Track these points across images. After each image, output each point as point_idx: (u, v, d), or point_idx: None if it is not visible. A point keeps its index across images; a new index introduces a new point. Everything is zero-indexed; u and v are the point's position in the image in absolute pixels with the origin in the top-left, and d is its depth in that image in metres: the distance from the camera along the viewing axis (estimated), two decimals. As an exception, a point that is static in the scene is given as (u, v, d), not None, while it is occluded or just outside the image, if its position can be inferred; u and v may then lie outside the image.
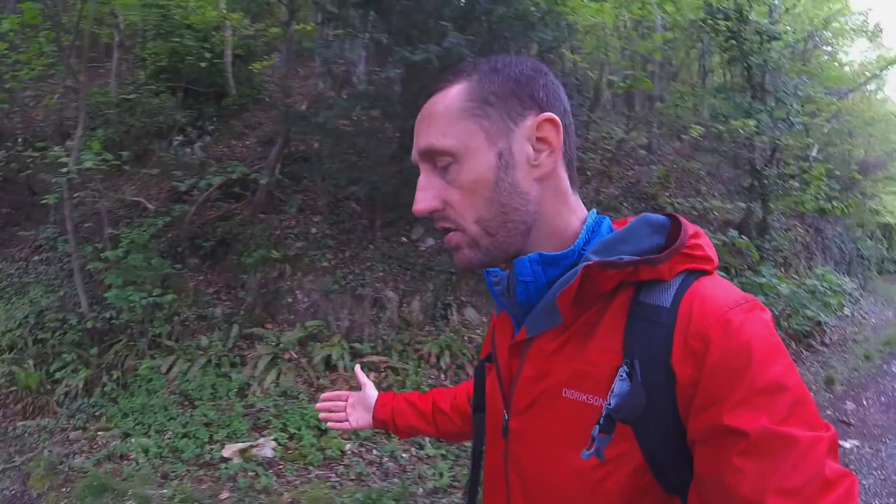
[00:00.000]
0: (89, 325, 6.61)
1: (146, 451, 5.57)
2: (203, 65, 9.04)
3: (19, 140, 9.51)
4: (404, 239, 7.62)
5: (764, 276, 7.16)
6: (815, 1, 8.32)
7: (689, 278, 0.82)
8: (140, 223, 7.82)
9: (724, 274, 7.22)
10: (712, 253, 0.85)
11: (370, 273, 7.04)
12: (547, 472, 0.87)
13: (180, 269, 7.10)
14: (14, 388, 6.50)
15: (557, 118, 0.90)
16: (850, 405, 6.61)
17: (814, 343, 7.50)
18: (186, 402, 6.22)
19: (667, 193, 7.98)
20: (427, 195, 0.92)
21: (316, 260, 7.08)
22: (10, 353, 6.85)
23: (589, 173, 7.66)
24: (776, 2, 6.93)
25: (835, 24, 8.99)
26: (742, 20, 6.88)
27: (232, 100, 9.36)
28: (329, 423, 1.64)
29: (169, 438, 5.73)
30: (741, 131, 6.99)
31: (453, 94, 0.91)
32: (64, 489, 5.05)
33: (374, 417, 1.58)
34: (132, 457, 5.57)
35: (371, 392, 1.63)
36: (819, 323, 7.43)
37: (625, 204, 7.86)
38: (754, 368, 0.71)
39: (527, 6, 6.28)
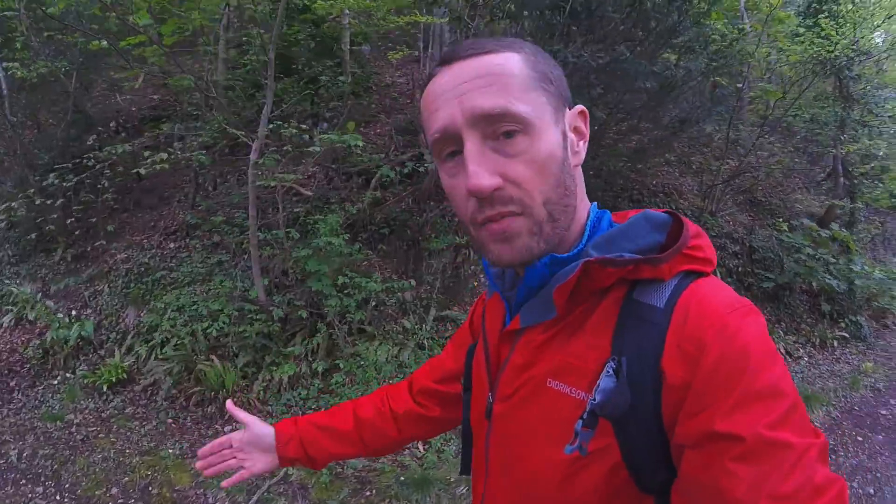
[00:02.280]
0: (303, 314, 5.09)
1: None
2: (319, 50, 7.57)
3: (112, 125, 7.54)
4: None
5: (857, 265, 6.95)
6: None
7: (685, 280, 0.66)
8: (301, 209, 6.30)
9: (831, 260, 6.90)
10: (712, 254, 0.70)
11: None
12: (524, 458, 0.73)
13: (370, 255, 5.72)
14: (197, 388, 4.85)
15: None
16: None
17: (888, 323, 7.41)
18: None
19: (759, 187, 7.58)
20: (485, 170, 0.64)
21: (498, 244, 5.95)
22: (173, 349, 5.16)
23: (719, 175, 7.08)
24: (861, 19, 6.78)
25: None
26: (833, 38, 6.62)
27: (349, 87, 7.89)
28: (223, 482, 1.12)
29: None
30: (828, 135, 6.77)
31: (515, 61, 0.67)
32: (368, 493, 3.67)
33: (281, 457, 1.10)
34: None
35: (262, 429, 1.12)
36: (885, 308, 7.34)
37: (727, 194, 7.35)
38: (751, 373, 0.58)
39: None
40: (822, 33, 6.42)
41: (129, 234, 6.58)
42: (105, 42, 5.19)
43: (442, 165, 0.73)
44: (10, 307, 6.13)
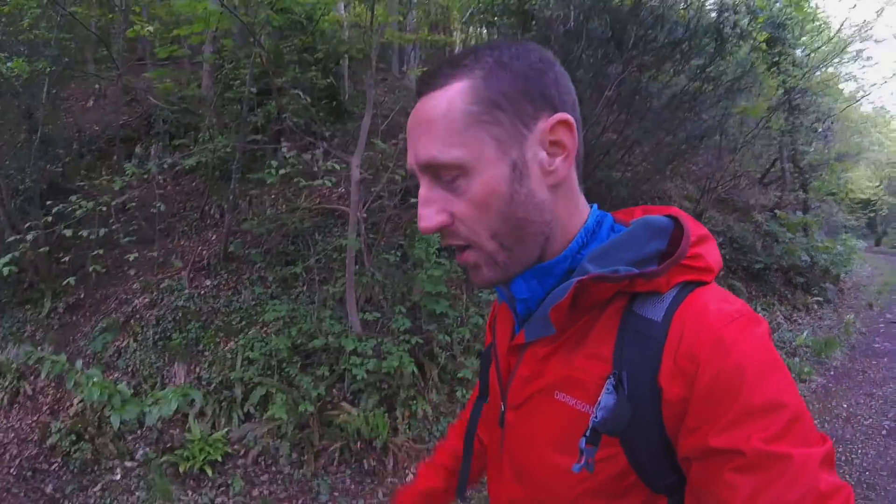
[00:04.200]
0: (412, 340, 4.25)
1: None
2: (315, 67, 6.59)
3: (74, 146, 5.79)
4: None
5: (818, 241, 7.89)
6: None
7: (683, 291, 0.64)
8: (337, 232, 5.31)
9: (803, 242, 7.63)
10: (713, 261, 0.67)
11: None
12: (534, 465, 0.73)
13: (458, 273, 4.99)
14: (333, 444, 3.76)
15: (571, 118, 0.66)
16: (888, 315, 8.11)
17: (843, 287, 8.50)
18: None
19: (715, 187, 8.19)
20: (431, 211, 0.67)
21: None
22: (258, 406, 4.03)
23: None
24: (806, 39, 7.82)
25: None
26: (787, 54, 7.51)
27: (347, 105, 6.90)
28: None
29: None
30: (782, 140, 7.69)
31: (455, 96, 0.64)
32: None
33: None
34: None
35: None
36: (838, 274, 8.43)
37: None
38: (748, 388, 0.57)
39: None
40: (790, 62, 7.34)
41: (135, 273, 5.07)
42: (150, 28, 3.92)
43: None
44: (-8, 382, 4.37)
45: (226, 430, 3.94)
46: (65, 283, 4.24)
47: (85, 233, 4.11)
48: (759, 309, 7.12)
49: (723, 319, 0.60)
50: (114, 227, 4.93)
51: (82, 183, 5.62)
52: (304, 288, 4.77)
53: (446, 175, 0.65)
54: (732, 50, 6.12)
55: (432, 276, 4.35)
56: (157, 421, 3.93)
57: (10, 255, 3.89)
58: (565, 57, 6.16)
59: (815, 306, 7.64)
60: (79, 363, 3.88)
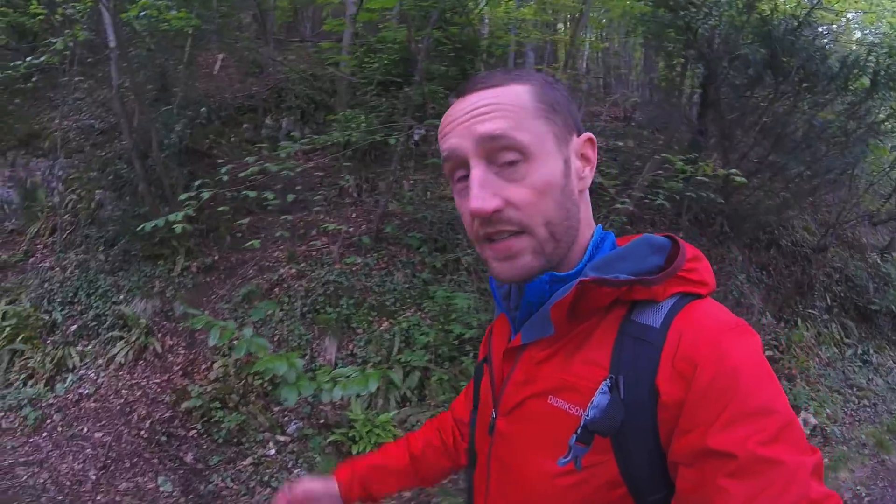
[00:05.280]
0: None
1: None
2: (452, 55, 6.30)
3: (202, 110, 5.47)
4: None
5: None
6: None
7: (681, 301, 0.64)
8: None
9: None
10: (708, 277, 0.67)
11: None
12: (523, 472, 0.69)
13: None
14: None
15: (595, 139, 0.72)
16: None
17: None
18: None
19: (846, 223, 7.73)
20: (488, 193, 0.63)
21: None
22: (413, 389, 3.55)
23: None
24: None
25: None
26: None
27: None
28: None
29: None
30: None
31: (521, 92, 0.66)
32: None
33: (346, 501, 1.05)
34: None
35: (326, 485, 1.05)
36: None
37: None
38: (742, 392, 0.55)
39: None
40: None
41: (273, 242, 4.65)
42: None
43: (454, 186, 0.72)
44: (118, 333, 3.92)
45: (394, 412, 3.44)
46: (248, 244, 3.85)
47: (271, 195, 3.75)
48: (871, 351, 6.64)
49: (721, 327, 0.60)
50: (265, 193, 4.59)
51: (214, 148, 5.31)
52: (461, 276, 4.33)
53: (507, 156, 0.64)
54: (882, 90, 5.90)
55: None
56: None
57: (182, 213, 3.50)
58: (714, 74, 5.90)
59: (922, 358, 7.08)
60: (248, 331, 3.46)
